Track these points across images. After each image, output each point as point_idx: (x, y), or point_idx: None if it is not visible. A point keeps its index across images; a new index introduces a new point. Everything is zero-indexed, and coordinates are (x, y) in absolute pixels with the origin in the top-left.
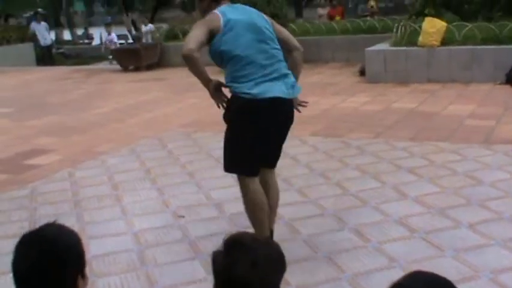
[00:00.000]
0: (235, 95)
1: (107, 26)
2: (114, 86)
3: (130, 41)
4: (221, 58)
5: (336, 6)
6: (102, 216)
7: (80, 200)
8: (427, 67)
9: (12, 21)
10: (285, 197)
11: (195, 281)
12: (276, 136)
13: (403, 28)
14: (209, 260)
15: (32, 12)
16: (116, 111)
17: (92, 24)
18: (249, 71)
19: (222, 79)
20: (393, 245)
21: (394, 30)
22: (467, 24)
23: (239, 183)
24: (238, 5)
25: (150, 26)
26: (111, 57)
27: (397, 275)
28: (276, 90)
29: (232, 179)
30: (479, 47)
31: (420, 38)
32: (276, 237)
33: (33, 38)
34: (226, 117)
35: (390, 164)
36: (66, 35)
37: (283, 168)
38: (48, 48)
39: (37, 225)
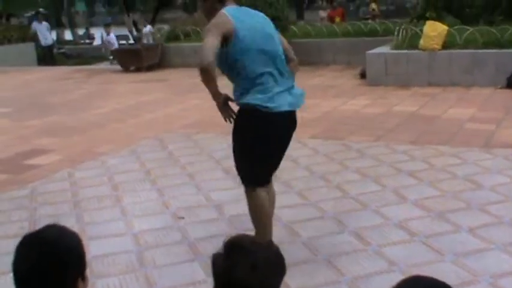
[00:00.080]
0: (249, 108)
1: (106, 26)
2: (115, 87)
3: (132, 41)
4: (233, 67)
5: (336, 7)
6: (101, 217)
7: (80, 200)
8: (428, 70)
9: (13, 21)
10: (285, 199)
11: (194, 283)
12: (285, 145)
13: (404, 31)
14: (209, 262)
15: (33, 12)
16: (117, 111)
17: (93, 24)
18: (263, 83)
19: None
20: (393, 249)
21: (395, 33)
22: (469, 28)
23: (248, 191)
24: (245, 8)
25: (149, 28)
26: (111, 57)
27: (397, 278)
28: (288, 103)
29: (232, 181)
30: (480, 50)
31: (421, 42)
32: (276, 240)
33: (35, 38)
34: (239, 130)
35: (390, 167)
36: (68, 35)
37: (283, 170)
38: (50, 48)
39: (37, 226)
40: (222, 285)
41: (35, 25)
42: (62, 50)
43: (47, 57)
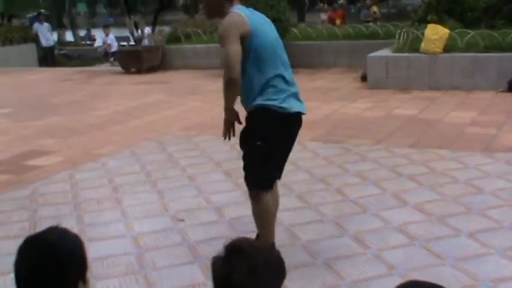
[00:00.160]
0: (264, 109)
1: (105, 27)
2: (116, 88)
3: (132, 43)
4: (246, 69)
5: (337, 9)
6: (102, 219)
7: (80, 202)
8: (429, 74)
9: (15, 22)
10: (285, 202)
11: (194, 285)
12: (292, 146)
13: (405, 34)
14: (208, 265)
15: (35, 13)
16: (117, 113)
17: (94, 25)
18: (276, 85)
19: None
20: (393, 253)
21: (397, 36)
22: (470, 31)
23: (253, 194)
24: (252, 9)
25: (147, 29)
26: (112, 59)
27: (396, 282)
28: (298, 104)
29: (232, 183)
30: (481, 54)
31: (422, 45)
32: (275, 243)
33: (36, 39)
34: (253, 131)
35: (391, 170)
36: (69, 36)
37: (283, 173)
38: (51, 49)
39: (37, 227)
40: None
41: (37, 26)
42: (63, 51)
43: (48, 58)
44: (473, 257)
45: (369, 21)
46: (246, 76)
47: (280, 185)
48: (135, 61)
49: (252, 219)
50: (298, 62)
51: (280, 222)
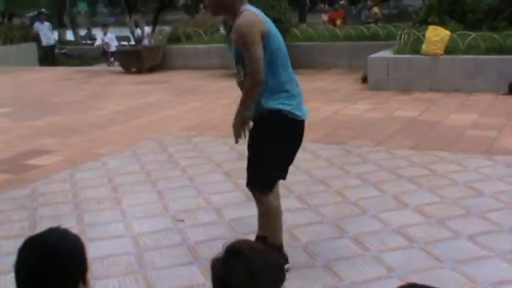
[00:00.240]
0: (279, 113)
1: (103, 27)
2: (116, 88)
3: (133, 42)
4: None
5: (337, 9)
6: (101, 219)
7: (80, 201)
8: (429, 76)
9: (15, 21)
10: (285, 203)
11: (193, 286)
12: (297, 151)
13: (406, 36)
14: (208, 265)
15: (35, 12)
16: (118, 113)
17: (95, 24)
18: (289, 89)
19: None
20: (392, 255)
21: (398, 37)
22: (471, 33)
23: (260, 197)
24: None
25: (147, 29)
26: (112, 59)
27: (395, 285)
28: (306, 111)
29: (232, 184)
30: (482, 56)
31: (423, 46)
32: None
33: (36, 38)
34: (264, 133)
35: (391, 172)
36: (69, 35)
37: None
38: (51, 48)
39: (37, 226)
40: None
41: (37, 25)
42: (64, 51)
43: (48, 57)
44: (472, 259)
45: (370, 22)
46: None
47: (281, 186)
48: (135, 61)
49: (252, 220)
50: (298, 63)
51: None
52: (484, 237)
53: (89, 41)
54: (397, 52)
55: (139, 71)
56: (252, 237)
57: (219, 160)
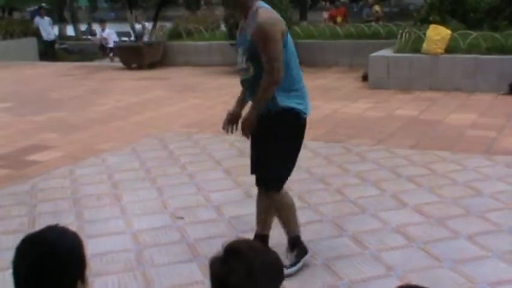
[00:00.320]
0: (292, 112)
1: (101, 22)
2: (117, 84)
3: (133, 38)
4: None
5: (338, 7)
6: (101, 215)
7: (80, 197)
8: (430, 75)
9: (16, 15)
10: None
11: (192, 283)
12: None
13: (407, 34)
14: (207, 263)
15: (36, 7)
16: (118, 109)
17: (95, 19)
18: (299, 88)
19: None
20: (391, 254)
21: (399, 36)
22: (472, 32)
23: (273, 194)
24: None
25: (147, 25)
26: (111, 54)
27: (394, 284)
28: (310, 107)
29: (231, 181)
30: (483, 56)
31: (424, 45)
32: (274, 243)
33: (37, 33)
34: (280, 132)
35: (390, 171)
36: (70, 31)
37: None
38: (52, 43)
39: (36, 222)
40: None
41: (38, 20)
42: (64, 46)
43: (48, 52)
44: (471, 259)
45: (371, 21)
46: None
47: None
48: (136, 57)
49: (251, 218)
50: (299, 60)
51: (278, 222)
52: (483, 237)
53: (89, 36)
54: (398, 51)
55: (140, 67)
56: (251, 235)
57: (219, 157)
